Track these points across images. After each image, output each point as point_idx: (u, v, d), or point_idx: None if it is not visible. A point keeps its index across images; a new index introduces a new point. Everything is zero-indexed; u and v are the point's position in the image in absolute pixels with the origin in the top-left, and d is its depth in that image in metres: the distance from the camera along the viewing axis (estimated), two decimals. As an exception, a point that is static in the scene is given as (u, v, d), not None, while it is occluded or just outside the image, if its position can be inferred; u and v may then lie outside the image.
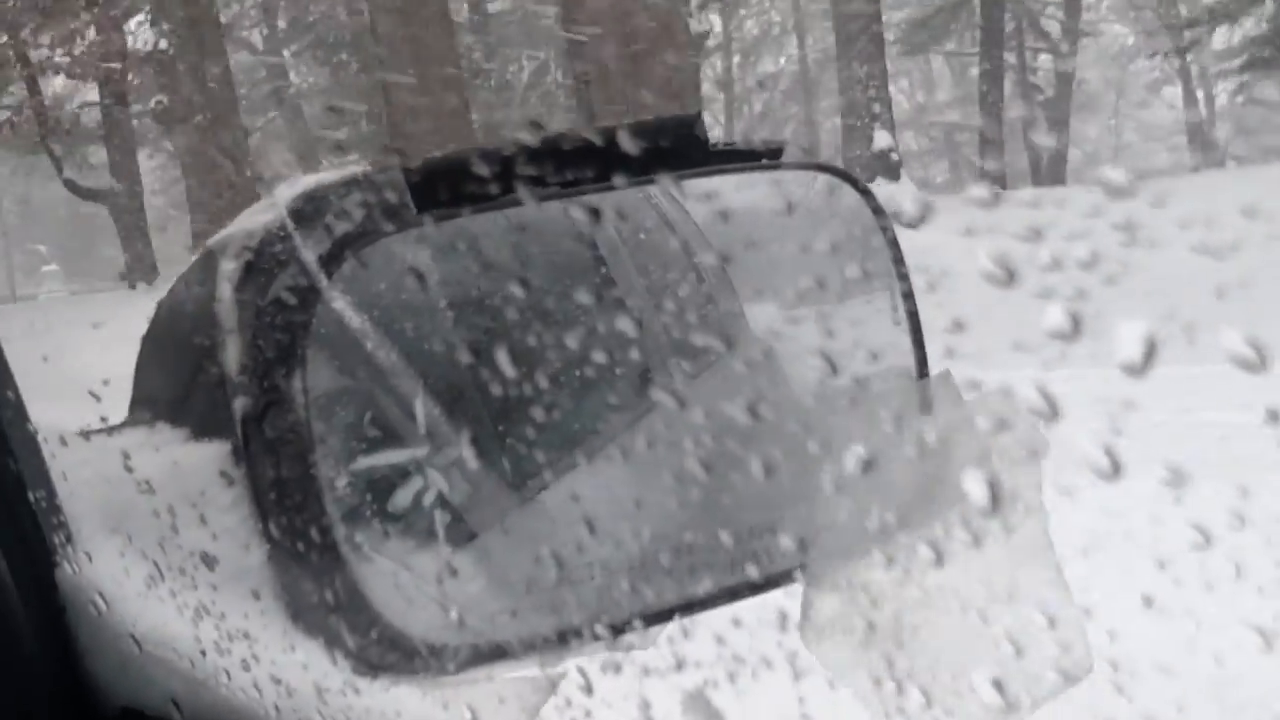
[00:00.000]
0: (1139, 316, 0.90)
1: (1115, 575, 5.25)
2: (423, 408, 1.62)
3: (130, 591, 1.42)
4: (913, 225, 1.10)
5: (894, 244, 1.80)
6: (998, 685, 1.27)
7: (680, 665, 1.41)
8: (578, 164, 1.46)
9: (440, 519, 1.60)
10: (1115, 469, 0.98)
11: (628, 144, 1.46)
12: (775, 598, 1.54)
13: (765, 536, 1.64)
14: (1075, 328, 0.93)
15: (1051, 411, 0.98)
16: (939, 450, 1.34)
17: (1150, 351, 0.91)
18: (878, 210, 1.80)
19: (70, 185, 32.72)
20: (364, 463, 1.58)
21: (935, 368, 1.60)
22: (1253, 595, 4.33)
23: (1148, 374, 0.90)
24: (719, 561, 1.61)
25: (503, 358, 1.56)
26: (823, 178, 1.82)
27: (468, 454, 1.62)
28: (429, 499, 1.59)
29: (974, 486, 1.11)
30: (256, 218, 1.53)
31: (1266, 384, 0.93)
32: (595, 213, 1.41)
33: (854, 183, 1.82)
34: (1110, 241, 0.92)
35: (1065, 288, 0.94)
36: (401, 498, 1.59)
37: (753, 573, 1.60)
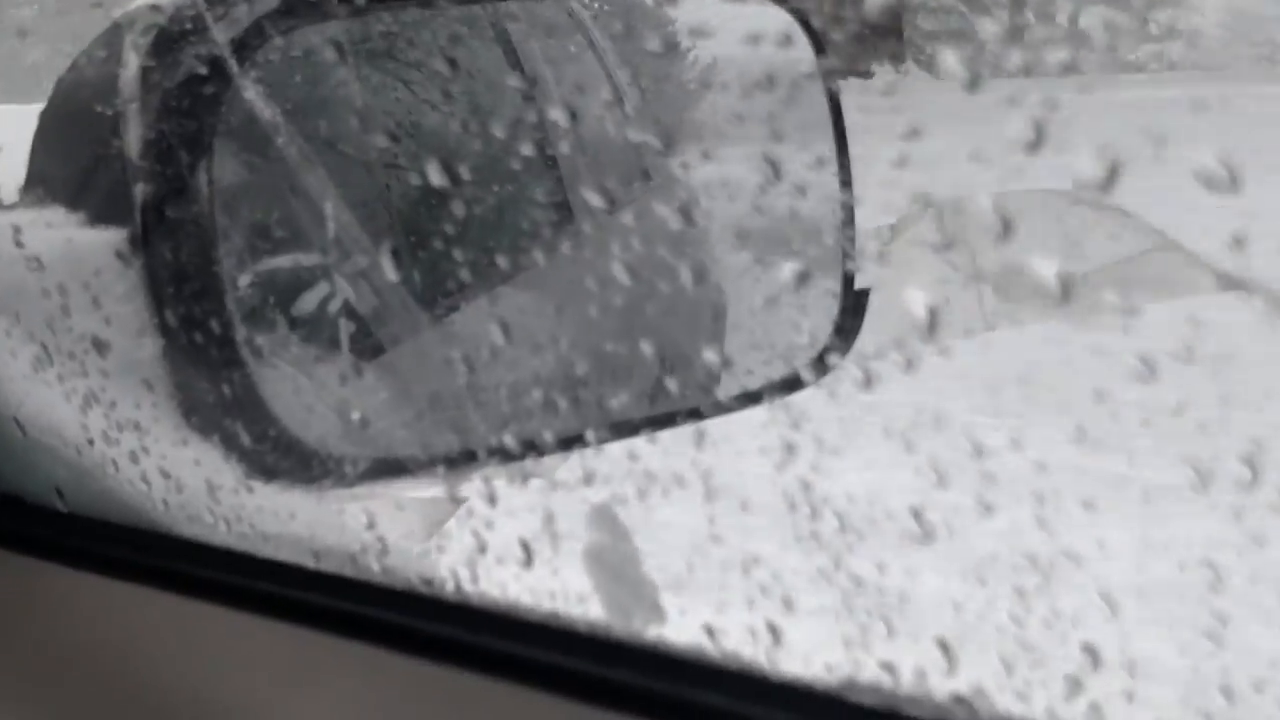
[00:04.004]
0: (1109, 130, 0.86)
1: (1051, 406, 5.14)
2: (333, 211, 1.56)
3: (15, 373, 1.36)
4: None
5: (822, 52, 1.74)
6: (915, 513, 1.24)
7: (589, 479, 1.37)
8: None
9: (345, 328, 1.55)
10: (1064, 293, 0.94)
11: None
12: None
13: (694, 363, 1.60)
14: (1039, 138, 0.89)
15: (1004, 229, 0.94)
16: (880, 266, 1.30)
17: (1114, 169, 0.87)
18: (809, 28, 1.74)
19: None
20: (269, 263, 1.52)
21: (887, 176, 1.55)
22: (1192, 432, 4.30)
23: (1111, 192, 0.86)
24: (643, 387, 1.57)
25: (419, 162, 1.50)
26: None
27: (378, 262, 1.56)
28: (334, 306, 1.54)
29: (913, 307, 1.07)
30: (167, -8, 1.45)
31: (1235, 206, 0.89)
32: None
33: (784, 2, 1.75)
34: (1093, 48, 0.87)
35: (1035, 94, 0.89)
36: (306, 302, 1.53)
37: (678, 403, 1.56)
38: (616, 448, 1.46)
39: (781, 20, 1.72)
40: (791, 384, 1.59)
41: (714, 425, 1.46)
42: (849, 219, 1.59)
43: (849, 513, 1.32)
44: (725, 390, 1.60)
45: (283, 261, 1.55)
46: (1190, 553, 3.75)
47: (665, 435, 1.50)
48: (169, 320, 1.37)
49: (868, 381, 1.21)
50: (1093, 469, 4.47)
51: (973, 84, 0.93)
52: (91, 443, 1.34)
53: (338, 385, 1.53)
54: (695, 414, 1.61)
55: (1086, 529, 4.14)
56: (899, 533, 1.19)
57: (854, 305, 1.48)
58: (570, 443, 1.49)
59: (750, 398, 1.62)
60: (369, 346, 1.58)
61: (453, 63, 1.67)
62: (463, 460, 1.48)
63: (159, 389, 1.37)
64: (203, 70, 1.38)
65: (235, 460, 1.37)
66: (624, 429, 1.56)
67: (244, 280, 1.48)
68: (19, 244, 1.38)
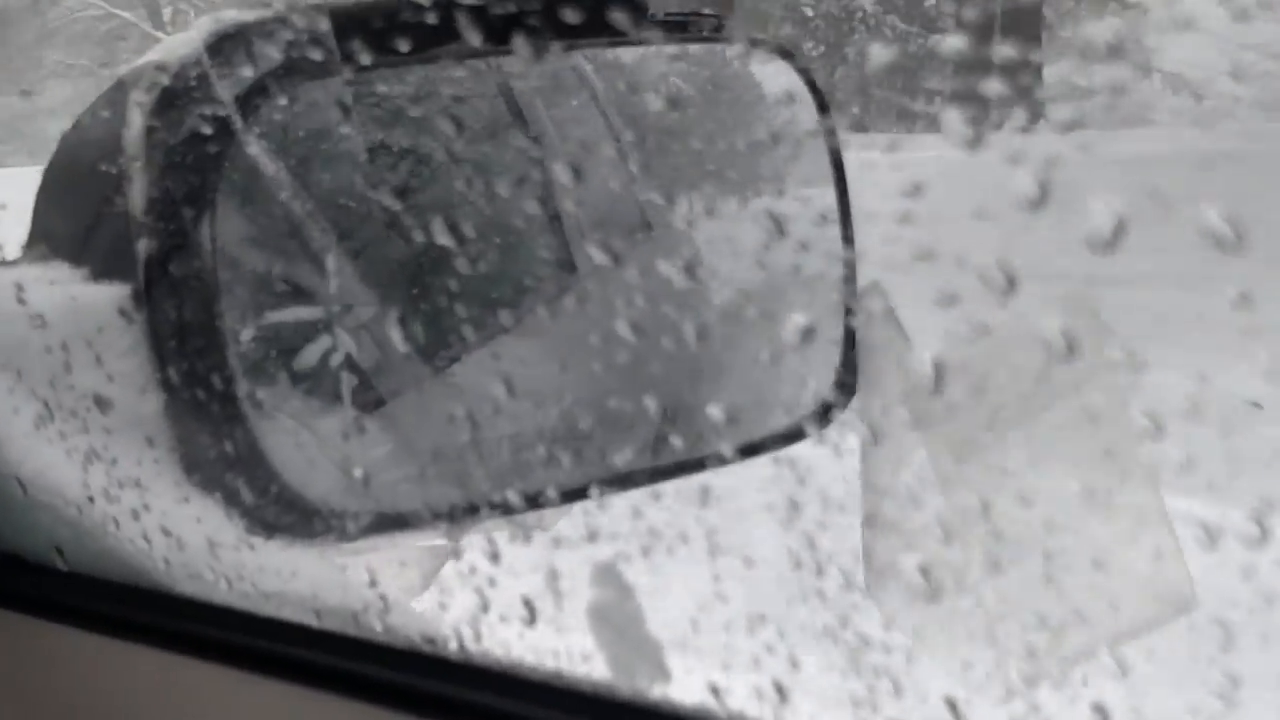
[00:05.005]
0: (1112, 187, 0.86)
1: (1057, 463, 5.09)
2: (335, 264, 1.56)
3: (17, 431, 1.35)
4: None
5: (825, 112, 1.75)
6: (923, 571, 1.24)
7: (592, 537, 1.36)
8: (516, 18, 1.40)
9: (347, 381, 1.54)
10: (1069, 350, 0.94)
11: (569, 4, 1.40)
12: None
13: (697, 414, 1.60)
14: (1043, 196, 0.89)
15: (1009, 285, 0.94)
16: (883, 323, 1.30)
17: (1120, 227, 0.87)
18: (814, 87, 1.75)
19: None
20: (271, 316, 1.52)
21: (889, 234, 1.54)
22: (1201, 489, 4.28)
23: (1115, 250, 0.86)
24: (646, 438, 1.57)
25: (422, 217, 1.51)
26: (762, 54, 1.78)
27: (380, 316, 1.56)
28: (336, 360, 1.54)
29: (918, 364, 1.07)
30: (173, 50, 1.45)
31: (1241, 265, 0.89)
32: (538, 50, 1.34)
33: (791, 58, 1.77)
34: (1092, 105, 0.88)
35: (1036, 152, 0.89)
36: (308, 356, 1.53)
37: (681, 454, 1.56)
38: (620, 506, 1.46)
39: (787, 78, 1.73)
40: (793, 436, 1.58)
41: (718, 482, 1.46)
42: (851, 275, 1.59)
43: (855, 569, 1.31)
44: (728, 442, 1.59)
45: (284, 315, 1.55)
46: (1201, 612, 3.72)
47: (669, 492, 1.50)
48: (171, 376, 1.37)
49: (874, 438, 1.21)
50: (1102, 527, 4.43)
51: (975, 141, 0.93)
52: (92, 500, 1.33)
53: (339, 440, 1.53)
54: (698, 465, 1.61)
55: (1096, 587, 4.09)
56: (905, 589, 1.18)
57: (855, 360, 1.48)
58: (572, 495, 1.49)
59: (752, 449, 1.62)
60: (371, 399, 1.58)
61: (457, 122, 1.67)
62: (465, 514, 1.48)
63: (160, 445, 1.37)
64: (206, 127, 1.38)
65: (237, 516, 1.37)
66: (626, 481, 1.55)
67: (246, 335, 1.48)
68: (21, 301, 1.38)
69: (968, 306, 1.00)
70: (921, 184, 1.03)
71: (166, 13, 37.75)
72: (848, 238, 1.69)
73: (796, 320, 1.22)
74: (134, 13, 37.35)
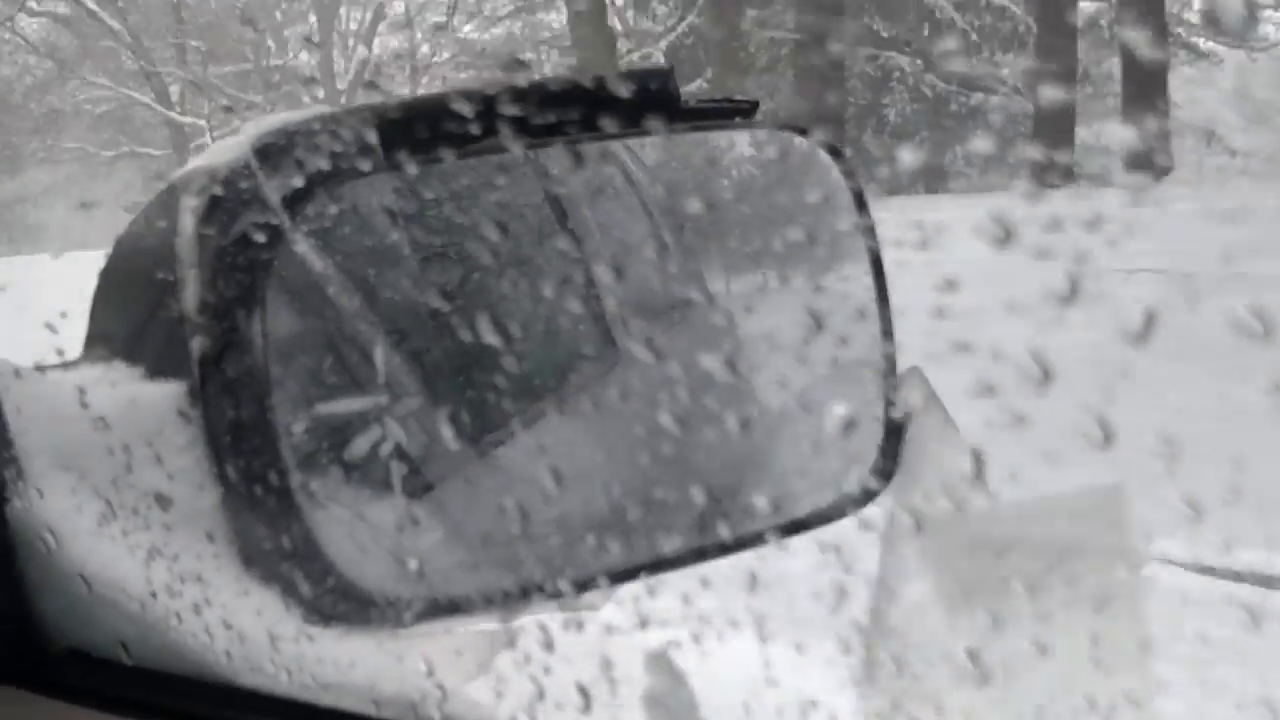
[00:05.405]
0: (1140, 281, 0.89)
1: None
2: (383, 356, 1.60)
3: (81, 530, 1.39)
4: None
5: (864, 209, 1.78)
6: (972, 655, 1.26)
7: (644, 624, 1.39)
8: (558, 111, 1.44)
9: (396, 470, 1.58)
10: (1106, 438, 0.96)
11: (614, 91, 1.43)
12: (745, 559, 1.52)
13: (738, 495, 1.62)
14: (1073, 290, 0.92)
15: (1044, 376, 0.97)
16: (924, 411, 1.33)
17: (1150, 320, 0.90)
18: (849, 173, 1.78)
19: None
20: (322, 409, 1.56)
21: (923, 328, 1.57)
22: (1243, 572, 4.25)
23: (1147, 342, 0.89)
24: (689, 519, 1.60)
25: (465, 308, 1.54)
26: (795, 139, 1.81)
27: (427, 405, 1.60)
28: (386, 449, 1.57)
29: (958, 453, 1.09)
30: (221, 155, 1.49)
31: (1270, 354, 0.91)
32: (578, 156, 1.37)
33: (827, 144, 1.80)
34: (1114, 201, 0.91)
35: (1065, 248, 0.92)
36: (358, 446, 1.57)
37: (724, 533, 1.58)
38: (670, 593, 1.48)
39: (828, 173, 1.75)
40: (833, 516, 1.61)
41: (765, 570, 1.48)
42: (890, 368, 1.62)
43: (904, 653, 1.33)
44: (772, 523, 1.62)
45: (335, 407, 1.58)
46: (1247, 692, 3.70)
47: (718, 579, 1.52)
48: (228, 472, 1.40)
49: (919, 526, 1.23)
50: (1146, 610, 4.42)
51: (1007, 237, 0.96)
52: (155, 596, 1.36)
53: (391, 528, 1.56)
54: (740, 545, 1.63)
55: (1144, 670, 4.06)
56: (956, 674, 1.20)
57: (895, 448, 1.50)
58: (621, 578, 1.51)
59: (794, 528, 1.64)
60: (419, 485, 1.61)
61: (501, 223, 1.71)
62: (517, 598, 1.50)
63: (220, 540, 1.40)
64: (256, 232, 1.42)
65: (295, 607, 1.40)
66: (674, 563, 1.58)
67: (298, 427, 1.51)
68: (84, 405, 1.42)
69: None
70: (954, 279, 1.06)
71: (174, 92, 38.09)
72: (886, 332, 1.72)
73: (838, 411, 1.25)
74: (140, 92, 37.72)
